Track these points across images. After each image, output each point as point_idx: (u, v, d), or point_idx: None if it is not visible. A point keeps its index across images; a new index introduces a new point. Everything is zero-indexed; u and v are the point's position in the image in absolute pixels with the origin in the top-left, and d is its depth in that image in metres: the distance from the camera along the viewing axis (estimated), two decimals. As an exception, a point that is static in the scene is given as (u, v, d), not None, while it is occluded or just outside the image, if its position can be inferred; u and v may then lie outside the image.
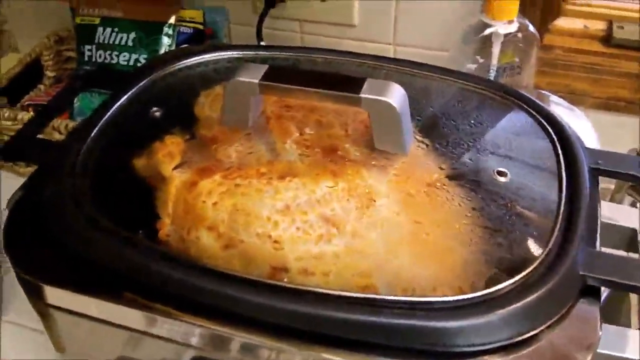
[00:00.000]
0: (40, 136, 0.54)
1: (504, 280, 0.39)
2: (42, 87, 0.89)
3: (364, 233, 0.42)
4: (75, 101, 0.76)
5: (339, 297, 0.39)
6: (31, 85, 0.88)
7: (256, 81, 0.46)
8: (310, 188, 0.43)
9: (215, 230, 0.43)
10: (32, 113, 0.77)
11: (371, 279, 0.42)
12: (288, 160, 0.46)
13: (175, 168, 0.46)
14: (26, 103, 0.84)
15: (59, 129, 0.73)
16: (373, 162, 0.45)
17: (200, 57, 0.61)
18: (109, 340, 0.45)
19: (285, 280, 0.41)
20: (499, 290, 0.39)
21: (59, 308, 0.43)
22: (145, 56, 0.77)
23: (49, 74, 0.89)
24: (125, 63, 0.76)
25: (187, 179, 0.45)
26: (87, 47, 0.80)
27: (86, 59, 0.80)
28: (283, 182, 0.44)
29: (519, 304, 0.38)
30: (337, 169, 0.45)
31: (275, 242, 0.42)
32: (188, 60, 0.61)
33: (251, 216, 0.42)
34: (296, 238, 0.42)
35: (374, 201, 0.44)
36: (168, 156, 0.46)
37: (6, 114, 0.75)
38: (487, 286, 0.39)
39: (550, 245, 0.41)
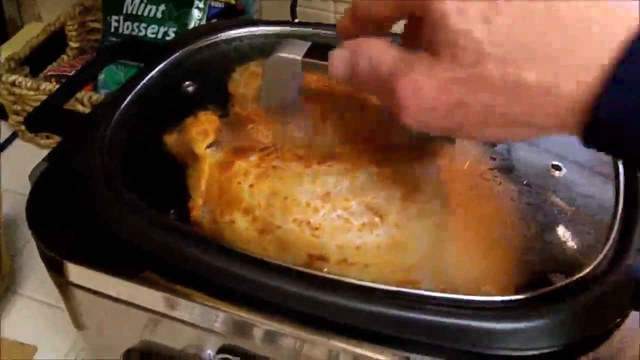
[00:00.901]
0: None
1: (555, 282, 0.36)
2: (65, 57, 0.86)
3: (408, 224, 0.40)
4: (99, 73, 0.74)
5: (380, 290, 0.36)
6: (54, 56, 0.85)
7: (299, 57, 0.43)
8: (353, 174, 0.41)
9: (251, 213, 0.40)
10: (54, 84, 0.75)
11: (413, 274, 0.40)
12: (328, 144, 0.43)
13: (208, 146, 0.44)
14: (49, 74, 0.82)
15: (82, 100, 0.71)
16: (419, 150, 0.43)
17: (235, 31, 0.59)
18: (131, 323, 0.43)
19: (323, 270, 0.39)
20: (550, 292, 0.37)
21: (80, 286, 0.41)
22: (174, 29, 0.74)
23: (73, 44, 0.87)
24: (154, 36, 0.74)
25: (221, 158, 0.43)
26: (114, 17, 0.78)
27: (112, 29, 0.77)
28: (324, 167, 0.41)
29: (570, 309, 0.36)
30: (380, 155, 0.42)
31: (314, 229, 0.39)
32: (222, 34, 0.58)
33: (289, 201, 0.40)
34: (336, 226, 0.39)
35: (420, 191, 0.41)
36: (202, 133, 0.44)
37: (28, 84, 0.72)
38: (536, 287, 0.37)
39: (605, 249, 0.39)
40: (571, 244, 0.40)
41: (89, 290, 0.41)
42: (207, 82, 0.52)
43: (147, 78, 0.51)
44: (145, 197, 0.42)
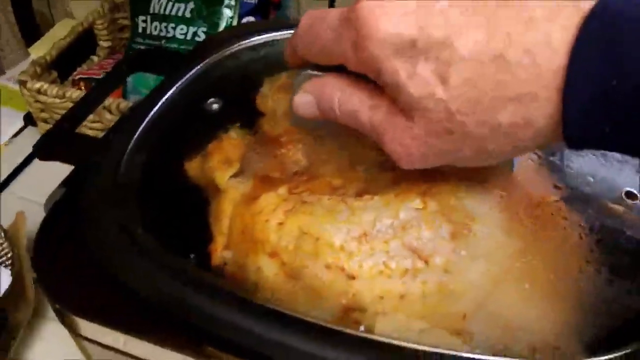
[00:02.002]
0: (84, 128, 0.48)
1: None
2: (95, 58, 0.83)
3: (459, 268, 0.34)
4: (128, 78, 0.70)
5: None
6: (84, 57, 0.82)
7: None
8: (394, 209, 0.35)
9: (278, 257, 0.35)
10: (82, 89, 0.71)
11: (465, 324, 0.35)
12: (365, 171, 0.38)
13: (233, 176, 0.39)
14: (77, 77, 0.78)
15: (109, 108, 0.67)
16: (471, 179, 0.37)
17: (265, 35, 0.54)
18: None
19: (360, 322, 0.34)
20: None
21: (93, 341, 0.37)
22: (204, 29, 0.70)
23: (103, 44, 0.83)
24: (183, 37, 0.69)
25: (246, 191, 0.38)
26: (142, 17, 0.73)
27: (140, 30, 0.73)
28: (360, 201, 0.36)
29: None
30: (426, 185, 0.36)
31: (349, 276, 0.34)
32: (250, 39, 0.54)
33: (321, 243, 0.35)
34: (375, 272, 0.34)
35: (472, 228, 0.35)
36: (225, 162, 0.39)
37: (54, 91, 0.69)
38: (610, 349, 0.31)
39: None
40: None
41: (103, 345, 0.37)
42: (235, 98, 0.47)
43: (167, 95, 0.46)
44: (163, 237, 0.37)
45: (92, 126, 0.69)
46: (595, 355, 0.31)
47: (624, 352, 0.31)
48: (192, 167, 0.41)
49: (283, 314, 0.33)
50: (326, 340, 0.32)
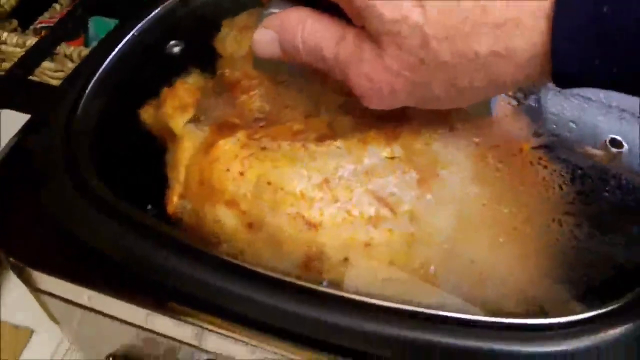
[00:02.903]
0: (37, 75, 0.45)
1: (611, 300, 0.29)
2: (57, 6, 0.79)
3: (426, 216, 0.33)
4: (89, 25, 0.67)
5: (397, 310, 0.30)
6: (46, 5, 0.78)
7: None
8: (357, 155, 0.34)
9: (237, 207, 0.34)
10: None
11: (432, 272, 0.33)
12: (329, 115, 0.36)
13: (189, 122, 0.37)
14: (39, 25, 0.75)
15: (71, 56, 0.64)
16: (442, 123, 0.35)
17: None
18: (109, 331, 0.37)
19: (322, 271, 0.33)
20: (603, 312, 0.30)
21: (51, 294, 0.36)
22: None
23: (65, -9, 0.79)
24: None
25: (203, 138, 0.36)
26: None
27: (101, -26, 0.70)
28: (322, 147, 0.34)
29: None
30: (392, 129, 0.35)
31: (311, 224, 0.33)
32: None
33: (280, 191, 0.33)
34: (337, 220, 0.33)
35: (439, 174, 0.34)
36: (179, 108, 0.37)
37: (14, 40, 0.66)
38: (586, 305, 0.30)
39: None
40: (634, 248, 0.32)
41: (60, 298, 0.35)
42: (195, 41, 0.45)
43: (123, 40, 0.44)
44: (118, 188, 0.36)
45: (55, 75, 0.66)
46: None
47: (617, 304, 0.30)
48: (147, 114, 0.39)
49: (239, 266, 0.31)
50: (285, 293, 0.30)
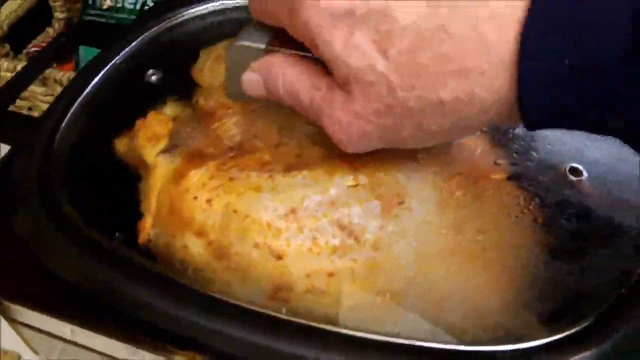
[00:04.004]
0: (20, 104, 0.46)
1: (570, 325, 0.30)
2: (50, 30, 0.80)
3: (389, 245, 0.34)
4: (80, 50, 0.68)
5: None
6: (39, 29, 0.79)
7: (262, 46, 0.36)
8: (323, 185, 0.34)
9: (205, 236, 0.35)
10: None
11: (397, 299, 0.34)
12: (296, 146, 0.37)
13: (161, 152, 0.38)
14: (32, 49, 0.76)
15: (60, 81, 0.65)
16: (405, 153, 0.36)
17: (212, 4, 0.52)
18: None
19: (289, 301, 0.33)
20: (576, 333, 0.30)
21: (25, 325, 0.36)
22: (154, -2, 0.67)
23: (58, 15, 0.80)
24: (132, 6, 0.67)
25: (173, 167, 0.37)
26: (92, -13, 0.71)
27: (90, 1, 0.71)
28: (288, 177, 0.35)
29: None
30: (357, 160, 0.35)
31: (277, 255, 0.33)
32: (196, 8, 0.52)
33: (247, 221, 0.34)
34: (303, 250, 0.33)
35: (403, 203, 0.34)
36: (152, 138, 0.38)
37: (4, 65, 0.67)
38: (547, 330, 0.30)
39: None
40: (594, 275, 0.33)
41: (37, 329, 0.36)
42: (174, 70, 0.46)
43: (104, 70, 0.45)
44: (91, 217, 0.36)
45: (45, 100, 0.67)
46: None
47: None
48: (121, 143, 0.40)
49: (206, 295, 0.32)
50: (253, 324, 0.31)
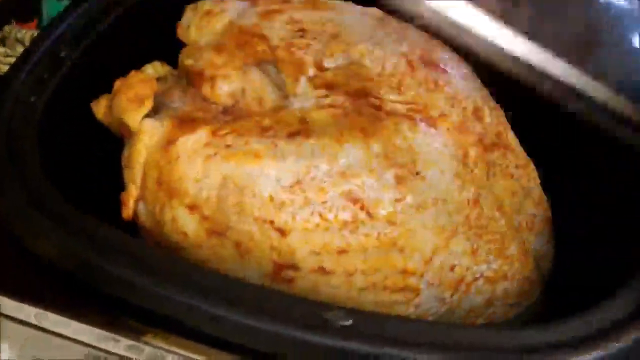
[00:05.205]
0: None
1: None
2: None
3: (404, 219, 0.30)
4: (42, 6, 0.62)
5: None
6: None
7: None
8: (331, 153, 0.31)
9: (199, 210, 0.31)
10: None
11: (413, 279, 0.31)
12: (301, 109, 0.33)
13: (146, 116, 0.33)
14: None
15: (23, 40, 0.59)
16: (420, 114, 0.32)
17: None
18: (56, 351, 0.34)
19: (293, 281, 0.30)
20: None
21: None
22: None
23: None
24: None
25: (161, 133, 0.33)
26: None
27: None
28: (293, 144, 0.31)
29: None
30: (369, 124, 0.32)
31: (280, 230, 0.30)
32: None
33: (247, 193, 0.30)
34: (309, 226, 0.30)
35: (420, 172, 0.31)
36: (134, 100, 0.34)
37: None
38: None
39: None
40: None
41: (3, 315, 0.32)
42: (158, 25, 0.41)
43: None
44: (68, 189, 0.32)
45: (5, 60, 0.61)
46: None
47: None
48: (99, 107, 0.35)
49: (202, 279, 0.28)
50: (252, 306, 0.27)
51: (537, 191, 0.36)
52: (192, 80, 0.36)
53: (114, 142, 0.35)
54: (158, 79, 0.37)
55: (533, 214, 0.36)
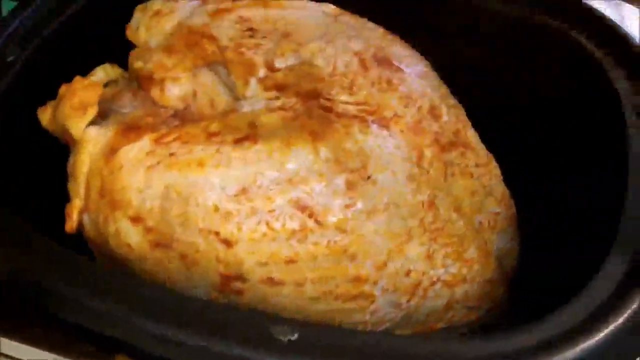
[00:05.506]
0: None
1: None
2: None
3: (356, 225, 0.29)
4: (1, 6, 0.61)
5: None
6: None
7: None
8: (279, 159, 0.30)
9: (142, 222, 0.30)
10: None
11: (367, 286, 0.30)
12: (251, 112, 0.32)
13: (90, 124, 0.32)
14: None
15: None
16: (372, 115, 0.31)
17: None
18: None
19: (243, 293, 0.29)
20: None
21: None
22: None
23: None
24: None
25: (105, 141, 0.32)
26: None
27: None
28: (240, 150, 0.30)
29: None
30: (318, 127, 0.31)
31: (226, 241, 0.29)
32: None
33: (191, 203, 0.29)
34: (257, 236, 0.29)
35: (371, 176, 0.30)
36: (79, 107, 0.32)
37: None
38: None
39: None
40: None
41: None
42: (107, 28, 0.40)
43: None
44: (12, 202, 0.31)
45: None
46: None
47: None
48: (45, 114, 0.34)
49: (143, 295, 0.27)
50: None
51: (499, 188, 0.35)
52: (141, 83, 0.35)
53: (64, 150, 0.34)
54: (109, 83, 0.36)
55: (496, 212, 0.35)
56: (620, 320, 0.25)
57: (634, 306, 0.26)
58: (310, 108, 0.31)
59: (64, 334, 0.29)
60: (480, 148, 0.34)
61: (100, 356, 0.29)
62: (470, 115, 0.35)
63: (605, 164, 0.33)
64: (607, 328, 0.25)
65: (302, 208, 0.29)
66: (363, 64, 0.33)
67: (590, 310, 0.26)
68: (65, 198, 0.32)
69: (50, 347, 0.28)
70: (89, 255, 0.32)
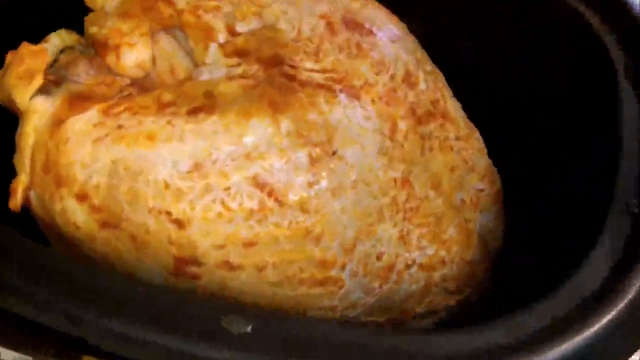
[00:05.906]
0: None
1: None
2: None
3: (320, 204, 0.27)
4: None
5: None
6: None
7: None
8: (237, 132, 0.27)
9: (88, 200, 0.27)
10: None
11: (334, 271, 0.28)
12: (210, 80, 0.29)
13: (36, 94, 0.30)
14: None
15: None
16: (338, 84, 0.29)
17: None
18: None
19: (198, 278, 0.27)
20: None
21: None
22: None
23: None
24: None
25: (52, 112, 0.29)
26: None
27: None
28: (193, 123, 0.27)
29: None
30: (279, 97, 0.28)
31: (178, 222, 0.26)
32: None
33: (140, 180, 0.27)
34: (211, 215, 0.27)
35: (337, 151, 0.27)
36: (25, 76, 0.30)
37: None
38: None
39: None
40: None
41: None
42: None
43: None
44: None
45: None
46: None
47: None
48: (-10, 85, 0.31)
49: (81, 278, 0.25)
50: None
51: (482, 163, 0.32)
52: (97, 49, 0.32)
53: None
54: (64, 49, 0.33)
55: (479, 188, 0.32)
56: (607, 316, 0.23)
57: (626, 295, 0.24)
58: (272, 76, 0.29)
59: (28, 332, 0.27)
60: (462, 119, 0.32)
61: (66, 356, 0.27)
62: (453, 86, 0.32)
63: (598, 149, 0.31)
64: (592, 323, 0.23)
65: (261, 186, 0.27)
66: (330, 27, 0.30)
67: (575, 303, 0.24)
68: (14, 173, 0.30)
69: (14, 347, 0.26)
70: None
